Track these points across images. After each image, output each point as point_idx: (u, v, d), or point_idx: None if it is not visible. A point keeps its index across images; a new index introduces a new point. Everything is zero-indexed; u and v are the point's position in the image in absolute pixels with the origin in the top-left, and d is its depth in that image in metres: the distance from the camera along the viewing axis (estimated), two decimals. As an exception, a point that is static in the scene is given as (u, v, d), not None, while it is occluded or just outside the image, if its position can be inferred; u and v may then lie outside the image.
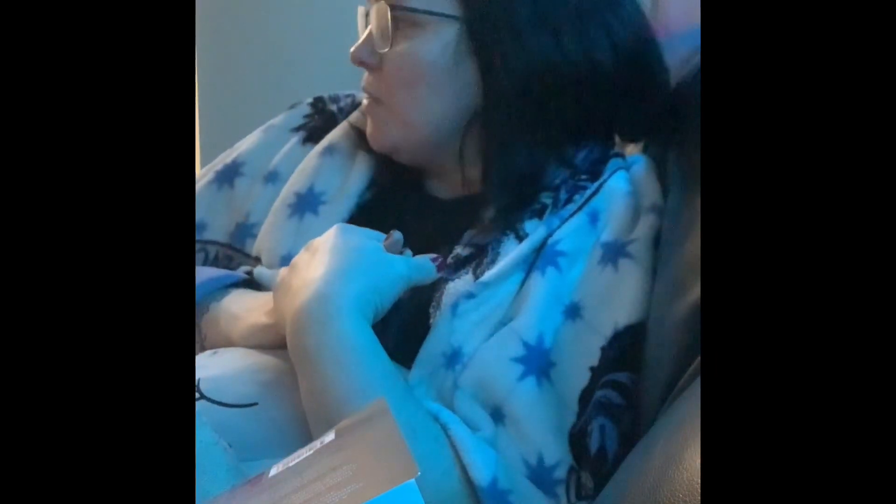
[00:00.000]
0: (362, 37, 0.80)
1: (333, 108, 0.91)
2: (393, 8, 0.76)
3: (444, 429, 0.66)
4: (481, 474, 0.64)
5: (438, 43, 0.76)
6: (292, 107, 0.93)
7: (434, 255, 0.73)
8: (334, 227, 0.72)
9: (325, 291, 0.66)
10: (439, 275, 0.72)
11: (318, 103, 0.92)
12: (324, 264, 0.68)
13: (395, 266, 0.69)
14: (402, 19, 0.76)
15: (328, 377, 0.65)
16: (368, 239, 0.71)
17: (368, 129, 0.82)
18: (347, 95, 0.92)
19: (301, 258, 0.71)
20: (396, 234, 0.73)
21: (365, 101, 0.82)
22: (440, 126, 0.78)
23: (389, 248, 0.71)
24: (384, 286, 0.68)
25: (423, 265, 0.72)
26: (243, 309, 0.76)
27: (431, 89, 0.77)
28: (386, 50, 0.77)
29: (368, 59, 0.78)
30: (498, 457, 0.66)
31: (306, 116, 0.91)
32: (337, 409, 0.63)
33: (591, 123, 0.79)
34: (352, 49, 0.79)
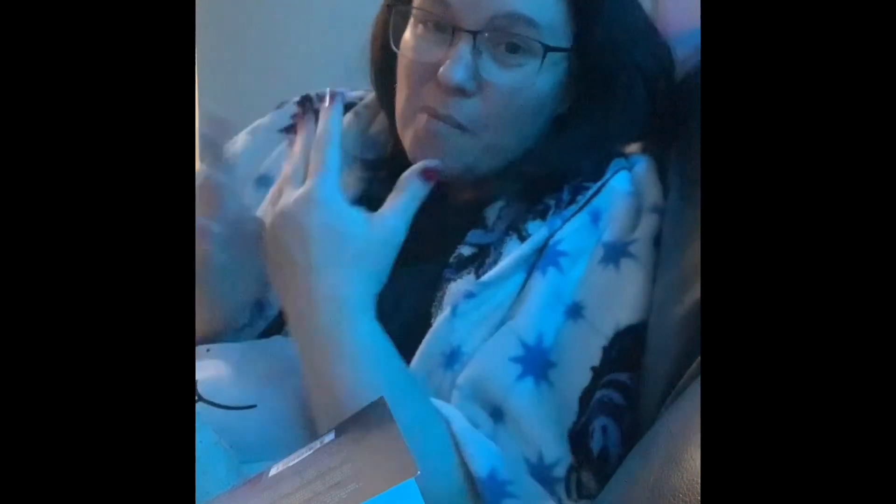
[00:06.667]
0: (456, 58, 0.72)
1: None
2: (503, 35, 0.73)
3: (447, 423, 0.66)
4: (479, 466, 0.64)
5: (552, 76, 0.75)
6: (279, 106, 0.92)
7: (423, 167, 0.71)
8: (308, 202, 0.68)
9: (335, 294, 0.66)
10: (430, 184, 0.70)
11: (306, 102, 0.91)
12: (324, 256, 0.66)
13: (388, 234, 0.68)
14: (513, 49, 0.73)
15: (340, 376, 0.65)
16: (352, 221, 0.68)
17: (425, 152, 0.75)
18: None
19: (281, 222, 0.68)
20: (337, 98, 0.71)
21: (427, 119, 0.75)
22: (525, 149, 0.78)
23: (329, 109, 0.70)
24: (384, 266, 0.68)
25: (410, 190, 0.70)
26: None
27: (534, 119, 0.76)
28: (493, 79, 0.73)
29: (467, 85, 0.72)
30: (498, 449, 0.66)
31: (294, 116, 0.90)
32: (347, 401, 0.62)
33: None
34: (446, 70, 0.72)
